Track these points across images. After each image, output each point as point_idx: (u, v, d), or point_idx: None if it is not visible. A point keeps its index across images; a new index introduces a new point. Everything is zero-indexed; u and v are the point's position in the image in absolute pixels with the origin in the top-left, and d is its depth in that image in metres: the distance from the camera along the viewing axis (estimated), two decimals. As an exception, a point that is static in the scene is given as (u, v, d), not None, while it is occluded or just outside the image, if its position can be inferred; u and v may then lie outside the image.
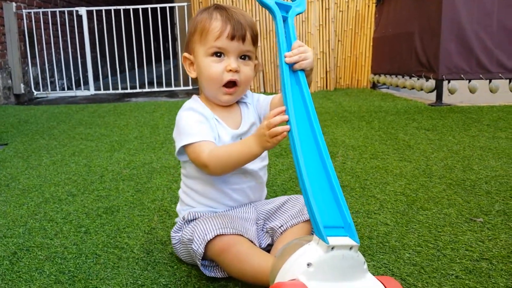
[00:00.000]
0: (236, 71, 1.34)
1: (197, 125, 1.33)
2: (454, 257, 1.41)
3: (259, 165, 1.42)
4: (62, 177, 2.41)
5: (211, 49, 1.33)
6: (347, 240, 0.99)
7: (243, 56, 1.36)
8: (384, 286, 0.97)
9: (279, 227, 1.37)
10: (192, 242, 1.28)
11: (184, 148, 1.33)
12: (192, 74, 1.42)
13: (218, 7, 1.36)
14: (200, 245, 1.25)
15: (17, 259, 1.48)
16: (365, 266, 1.00)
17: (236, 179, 1.39)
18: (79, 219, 1.81)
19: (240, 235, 1.25)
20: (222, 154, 1.26)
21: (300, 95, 1.18)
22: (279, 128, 1.13)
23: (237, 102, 1.46)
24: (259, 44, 1.46)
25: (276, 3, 1.26)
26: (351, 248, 0.98)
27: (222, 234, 1.24)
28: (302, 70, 1.22)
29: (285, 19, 1.27)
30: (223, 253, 1.23)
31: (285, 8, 1.27)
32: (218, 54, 1.34)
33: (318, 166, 1.08)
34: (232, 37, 1.31)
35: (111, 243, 1.58)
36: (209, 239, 1.24)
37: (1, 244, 1.60)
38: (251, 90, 1.58)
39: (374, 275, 1.21)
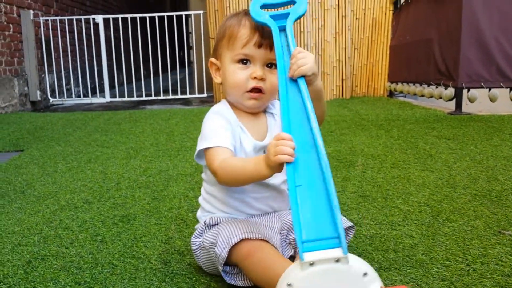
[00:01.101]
0: (262, 79, 1.30)
1: (218, 130, 1.29)
2: (484, 272, 1.35)
3: (280, 179, 1.37)
4: (78, 184, 2.38)
5: (238, 56, 1.30)
6: (330, 253, 0.92)
7: (270, 64, 1.32)
8: None
9: None
10: (215, 246, 1.23)
11: (203, 151, 1.30)
12: (217, 80, 1.39)
13: (247, 13, 1.33)
14: (224, 248, 1.20)
15: (32, 268, 1.44)
16: (368, 278, 0.91)
17: (256, 188, 1.35)
18: (95, 227, 1.78)
19: (266, 240, 1.21)
20: (233, 167, 1.21)
21: (301, 104, 1.14)
22: (287, 146, 1.05)
23: (264, 112, 1.41)
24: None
25: (272, 16, 1.24)
26: (337, 261, 0.90)
27: (248, 239, 1.20)
28: (302, 76, 1.18)
29: (283, 29, 1.24)
30: (248, 258, 1.18)
31: (282, 17, 1.25)
32: (244, 61, 1.31)
33: (316, 175, 1.03)
34: (260, 45, 1.28)
35: (128, 253, 1.54)
36: (234, 243, 1.19)
37: (16, 252, 1.57)
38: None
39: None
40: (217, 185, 1.36)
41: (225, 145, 1.26)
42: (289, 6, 1.28)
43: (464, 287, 1.26)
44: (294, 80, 1.18)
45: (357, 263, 0.92)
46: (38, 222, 1.85)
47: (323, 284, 0.89)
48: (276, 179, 1.35)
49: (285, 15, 1.25)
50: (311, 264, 0.90)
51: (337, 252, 0.91)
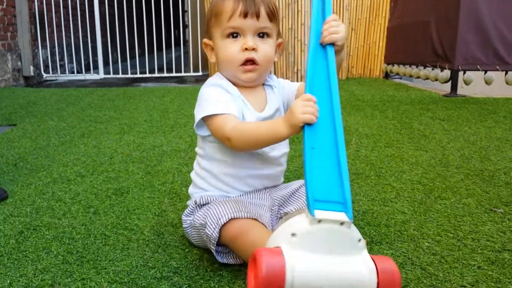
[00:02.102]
0: (253, 49, 1.28)
1: (222, 98, 1.28)
2: (475, 247, 1.36)
3: (280, 151, 1.37)
4: (71, 158, 2.37)
5: (226, 30, 1.28)
6: (337, 215, 0.96)
7: (261, 34, 1.29)
8: (375, 264, 0.93)
9: (295, 212, 1.32)
10: (205, 227, 1.23)
11: (205, 120, 1.27)
12: (212, 59, 1.37)
13: None
14: (214, 229, 1.20)
15: (24, 238, 1.44)
16: (361, 243, 0.96)
17: (255, 164, 1.34)
18: (88, 199, 1.78)
19: (254, 219, 1.21)
20: (247, 129, 1.21)
21: (325, 71, 1.13)
22: (314, 108, 1.07)
23: (263, 85, 1.40)
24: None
25: None
26: (342, 224, 0.95)
27: (236, 218, 1.19)
28: (332, 44, 1.16)
29: None
30: (238, 238, 1.18)
31: None
32: (234, 35, 1.28)
33: (329, 142, 1.05)
34: (245, 15, 1.26)
35: (121, 224, 1.53)
36: (223, 223, 1.19)
37: (8, 223, 1.56)
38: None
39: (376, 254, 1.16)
40: (214, 160, 1.35)
41: (231, 112, 1.25)
42: None
43: (455, 261, 1.27)
44: (323, 46, 1.17)
45: (355, 230, 0.97)
46: (30, 194, 1.84)
47: (323, 240, 0.94)
48: (276, 151, 1.36)
49: None
50: (319, 221, 0.94)
51: (342, 216, 0.95)
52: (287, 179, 1.95)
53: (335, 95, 1.09)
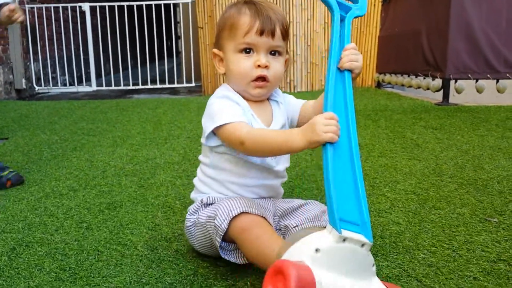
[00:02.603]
0: (266, 67, 1.29)
1: (233, 109, 1.29)
2: (470, 258, 1.36)
3: (283, 166, 1.40)
4: (63, 172, 2.35)
5: (240, 45, 1.29)
6: (360, 237, 0.97)
7: (273, 52, 1.31)
8: None
9: (294, 227, 1.32)
10: (215, 218, 1.22)
11: (215, 130, 1.28)
12: (221, 70, 1.38)
13: (247, 2, 1.32)
14: (224, 220, 1.19)
15: (16, 254, 1.43)
16: (374, 268, 0.98)
17: (259, 174, 1.36)
18: (80, 214, 1.76)
19: (264, 217, 1.21)
20: (263, 135, 1.22)
21: (342, 94, 1.17)
22: (336, 127, 1.08)
23: (268, 99, 1.41)
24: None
25: (337, 1, 1.24)
26: (363, 246, 0.96)
27: (248, 213, 1.20)
28: (350, 71, 1.20)
29: (342, 19, 1.24)
30: (245, 231, 1.18)
31: (345, 9, 1.25)
32: (248, 50, 1.30)
33: (346, 163, 1.07)
34: (261, 33, 1.27)
35: (114, 240, 1.52)
36: (234, 215, 1.19)
37: (0, 239, 1.54)
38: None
39: (388, 276, 1.16)
40: (219, 168, 1.36)
41: (244, 120, 1.26)
42: (351, 2, 1.29)
43: (451, 273, 1.27)
44: (341, 71, 1.20)
45: (370, 254, 0.98)
46: (22, 209, 1.82)
47: (344, 259, 0.94)
48: (281, 165, 1.38)
49: (347, 9, 1.25)
50: (344, 239, 0.94)
51: (364, 238, 0.97)
52: (289, 188, 1.95)
53: (352, 117, 1.12)
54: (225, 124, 1.25)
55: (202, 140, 1.36)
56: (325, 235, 0.96)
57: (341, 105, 1.15)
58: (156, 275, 1.28)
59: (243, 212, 1.19)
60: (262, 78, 1.30)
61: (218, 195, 1.36)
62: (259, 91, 1.32)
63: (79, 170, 2.38)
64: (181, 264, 1.34)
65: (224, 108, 1.28)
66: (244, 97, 1.34)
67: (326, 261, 0.93)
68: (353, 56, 1.19)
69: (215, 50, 1.38)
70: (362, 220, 1.00)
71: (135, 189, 2.05)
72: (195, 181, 1.45)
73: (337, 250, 0.94)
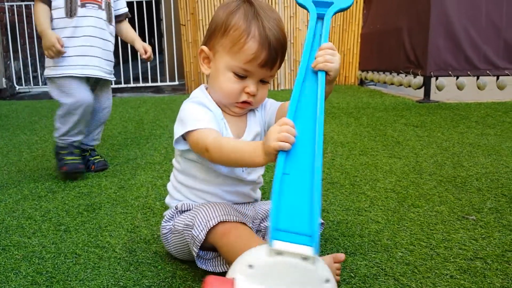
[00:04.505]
0: (254, 95, 1.26)
1: (205, 116, 1.24)
2: (447, 256, 1.37)
3: (257, 174, 1.37)
4: (43, 173, 2.33)
5: (237, 69, 1.23)
6: (300, 248, 0.88)
7: (264, 80, 1.28)
8: None
9: None
10: (192, 228, 1.20)
11: (186, 135, 1.24)
12: (205, 71, 1.32)
13: (256, 14, 1.22)
14: (202, 231, 1.17)
15: (-8, 259, 1.41)
16: (328, 285, 0.88)
17: (230, 182, 1.33)
18: (59, 216, 1.74)
19: (243, 223, 1.20)
20: (227, 145, 1.15)
21: (314, 97, 1.07)
22: (290, 134, 1.00)
23: None
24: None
25: (315, 1, 1.16)
26: (305, 259, 0.87)
27: (226, 221, 1.17)
28: (324, 72, 1.10)
29: (321, 17, 1.15)
30: (225, 236, 1.16)
31: (325, 5, 1.15)
32: (241, 75, 1.24)
33: (305, 169, 0.99)
34: (264, 65, 1.22)
35: (92, 242, 1.51)
36: (212, 226, 1.17)
37: (-24, 243, 1.52)
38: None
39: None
40: (188, 174, 1.34)
41: (215, 128, 1.22)
42: None
43: (428, 271, 1.28)
44: (314, 72, 1.11)
45: (323, 268, 0.89)
46: (0, 212, 1.80)
47: (283, 276, 0.87)
48: (253, 175, 1.34)
49: (328, 4, 1.15)
50: (279, 253, 0.87)
51: (307, 250, 0.88)
52: (263, 191, 1.95)
53: (320, 122, 1.03)
54: (194, 130, 1.21)
55: (173, 142, 1.32)
56: (261, 248, 0.90)
57: (310, 109, 1.06)
58: (134, 277, 1.27)
59: (221, 221, 1.17)
60: (247, 103, 1.28)
61: (191, 202, 1.34)
62: (240, 110, 1.30)
63: (58, 171, 2.35)
64: (159, 267, 1.33)
65: (196, 114, 1.24)
66: (220, 107, 1.31)
67: (259, 277, 0.87)
68: (328, 56, 1.09)
69: (205, 49, 1.30)
70: (311, 231, 0.91)
71: (115, 190, 2.04)
72: (169, 186, 1.42)
73: (272, 265, 0.87)
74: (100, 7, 2.26)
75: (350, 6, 1.17)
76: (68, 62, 2.22)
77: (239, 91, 1.25)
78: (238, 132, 1.32)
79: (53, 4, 2.20)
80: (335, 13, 1.17)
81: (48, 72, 2.28)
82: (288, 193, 0.95)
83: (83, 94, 2.22)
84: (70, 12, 2.19)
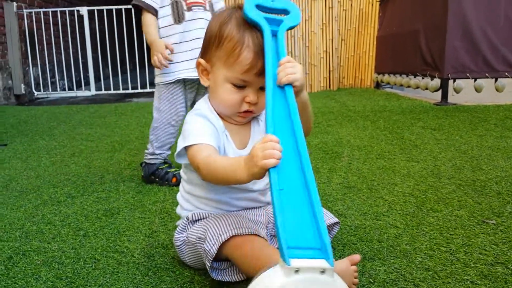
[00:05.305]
0: (255, 104, 1.26)
1: (203, 130, 1.25)
2: (468, 261, 1.35)
3: (263, 183, 1.35)
4: (61, 178, 2.35)
5: (235, 80, 1.23)
6: (316, 262, 0.87)
7: (263, 88, 1.25)
8: None
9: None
10: (204, 242, 1.21)
11: (186, 149, 1.25)
12: (204, 83, 1.31)
13: (251, 27, 1.20)
14: (214, 245, 1.18)
15: (13, 264, 1.42)
16: None
17: (237, 192, 1.33)
18: (77, 221, 1.76)
19: (255, 234, 1.19)
20: (217, 164, 1.15)
21: (286, 111, 1.09)
22: (276, 150, 0.99)
23: None
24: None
25: (266, 18, 1.17)
26: (323, 272, 0.86)
27: (237, 235, 1.17)
28: (290, 85, 1.12)
29: (275, 34, 1.18)
30: (238, 249, 1.16)
31: (276, 23, 1.19)
32: (240, 86, 1.24)
33: (297, 183, 0.98)
34: (260, 74, 1.20)
35: (111, 247, 1.52)
36: (224, 240, 1.17)
37: (-3, 248, 1.55)
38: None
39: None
40: (195, 184, 1.34)
41: (210, 143, 1.22)
42: (283, 15, 1.21)
43: (448, 277, 1.27)
44: (281, 87, 1.12)
45: (339, 279, 0.88)
46: (20, 217, 1.82)
47: None
48: (259, 184, 1.34)
49: (278, 22, 1.18)
50: (296, 271, 0.85)
51: (322, 263, 0.87)
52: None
53: (299, 133, 1.04)
54: (192, 145, 1.21)
55: (174, 155, 1.32)
56: (276, 270, 0.87)
57: (286, 123, 1.07)
58: (153, 283, 1.27)
59: (233, 235, 1.17)
60: (249, 112, 1.28)
61: (201, 211, 1.34)
62: (242, 120, 1.31)
63: (77, 176, 2.38)
64: (178, 272, 1.34)
65: (196, 129, 1.25)
66: (223, 117, 1.31)
67: None
68: (289, 69, 1.11)
69: (202, 61, 1.29)
70: (322, 243, 0.90)
71: (132, 195, 2.05)
72: (178, 197, 1.42)
73: (292, 285, 0.84)
74: (205, 9, 2.23)
75: (298, 24, 1.21)
76: (177, 67, 2.21)
77: (239, 101, 1.25)
78: (242, 142, 1.32)
79: (160, 13, 2.20)
80: (286, 30, 1.19)
81: (158, 80, 2.28)
82: (288, 208, 0.94)
83: (183, 106, 2.27)
84: (178, 18, 2.18)
